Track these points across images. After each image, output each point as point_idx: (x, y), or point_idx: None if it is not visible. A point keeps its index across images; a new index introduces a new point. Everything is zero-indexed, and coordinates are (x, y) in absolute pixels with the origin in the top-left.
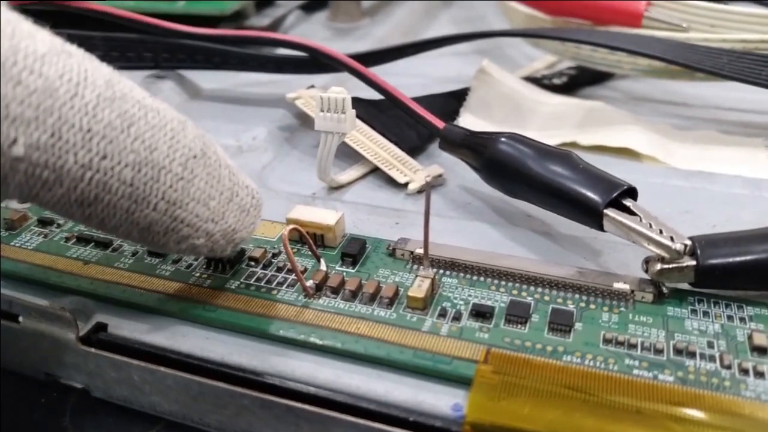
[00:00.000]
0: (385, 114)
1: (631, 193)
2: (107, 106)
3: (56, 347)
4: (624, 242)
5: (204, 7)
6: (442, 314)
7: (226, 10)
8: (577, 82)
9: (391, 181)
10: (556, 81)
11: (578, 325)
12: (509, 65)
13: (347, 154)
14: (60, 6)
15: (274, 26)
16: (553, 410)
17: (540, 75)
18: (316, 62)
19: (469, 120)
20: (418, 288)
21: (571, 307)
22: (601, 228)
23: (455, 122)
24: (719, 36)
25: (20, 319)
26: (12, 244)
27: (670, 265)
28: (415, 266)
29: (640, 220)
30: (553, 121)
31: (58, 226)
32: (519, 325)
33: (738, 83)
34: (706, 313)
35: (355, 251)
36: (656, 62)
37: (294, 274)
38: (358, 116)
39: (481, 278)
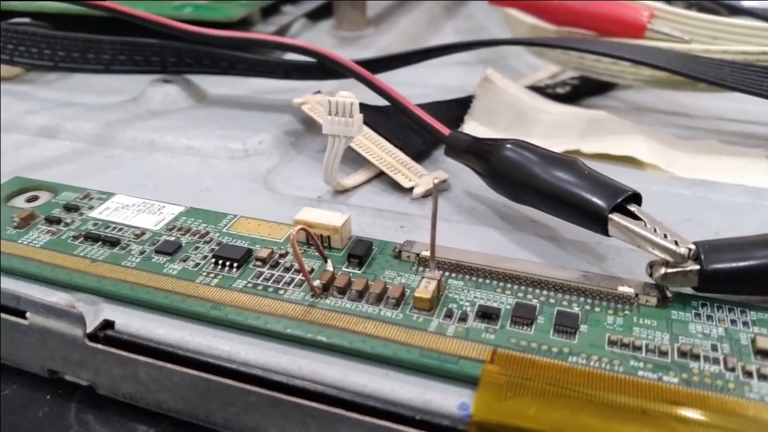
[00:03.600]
0: (391, 120)
1: (636, 198)
2: None
3: (63, 344)
4: (628, 247)
5: (211, 14)
6: (449, 315)
7: (233, 16)
8: (580, 92)
9: (396, 186)
10: (560, 90)
11: (583, 327)
12: (513, 75)
13: (353, 159)
14: (72, 3)
15: (280, 34)
16: (559, 410)
17: (543, 84)
18: (324, 68)
19: (473, 127)
20: (425, 289)
21: (576, 309)
22: (605, 233)
23: (460, 129)
24: (721, 48)
25: (28, 315)
26: (20, 242)
27: (675, 270)
28: (421, 268)
29: (645, 225)
30: (556, 130)
31: (66, 224)
32: (525, 327)
33: (739, 94)
34: (709, 317)
35: (361, 252)
36: (659, 72)
37: (301, 274)
38: (364, 121)
39: (487, 281)
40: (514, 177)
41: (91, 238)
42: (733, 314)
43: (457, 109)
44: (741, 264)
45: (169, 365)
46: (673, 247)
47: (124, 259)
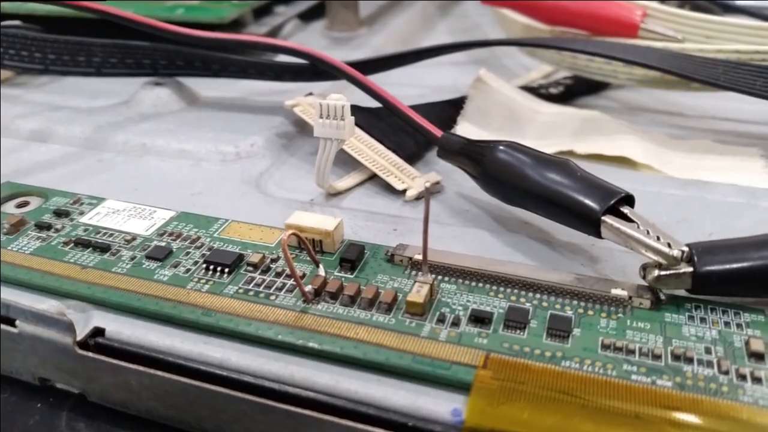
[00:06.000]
0: (383, 122)
1: (629, 200)
2: None
3: (54, 352)
4: (621, 249)
5: (202, 15)
6: (441, 320)
7: (225, 18)
8: (574, 91)
9: (389, 188)
10: (553, 90)
11: (576, 331)
12: (506, 75)
13: (345, 161)
14: (61, 5)
15: (272, 35)
16: (552, 415)
17: (537, 84)
18: (315, 70)
19: (466, 128)
20: (417, 293)
21: (569, 313)
22: (598, 235)
23: (452, 131)
24: (714, 47)
25: (17, 323)
26: (9, 248)
27: (668, 272)
28: (414, 272)
29: (638, 227)
30: (549, 130)
31: (56, 230)
32: (518, 331)
33: (733, 93)
34: (703, 320)
35: (353, 257)
36: (652, 72)
37: (293, 280)
38: (356, 124)
39: (480, 284)
40: (507, 179)
41: (82, 244)
42: (727, 316)
43: (450, 109)
44: (734, 266)
45: (159, 373)
46: (665, 249)
47: (114, 266)
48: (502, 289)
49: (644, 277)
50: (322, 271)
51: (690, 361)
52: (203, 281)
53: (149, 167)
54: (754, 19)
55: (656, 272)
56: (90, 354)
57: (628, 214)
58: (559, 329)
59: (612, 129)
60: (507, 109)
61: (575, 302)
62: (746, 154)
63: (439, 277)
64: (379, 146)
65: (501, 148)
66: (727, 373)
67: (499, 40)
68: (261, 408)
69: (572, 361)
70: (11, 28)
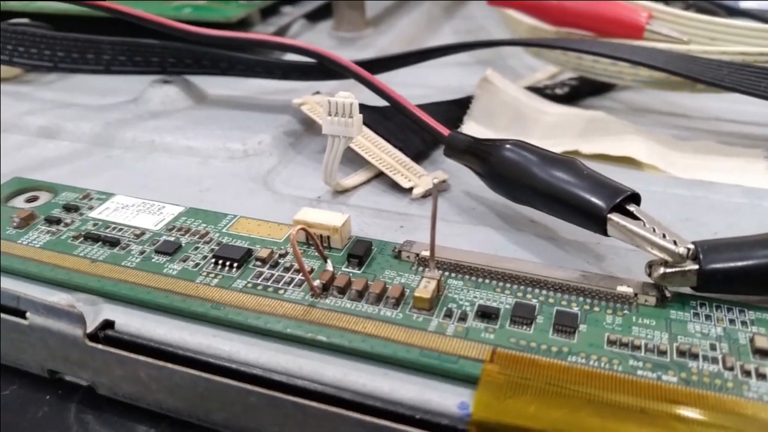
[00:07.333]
0: (390, 120)
1: (635, 198)
2: None
3: (63, 344)
4: (627, 247)
5: (210, 15)
6: (448, 315)
7: (232, 17)
8: (579, 92)
9: (396, 186)
10: (558, 91)
11: (582, 327)
12: (512, 75)
13: (352, 159)
14: (71, 3)
15: (279, 34)
16: (559, 409)
17: (542, 85)
18: (323, 69)
19: (472, 128)
20: (425, 288)
21: (575, 309)
22: (604, 233)
23: (459, 130)
24: (719, 48)
25: (28, 315)
26: (20, 242)
27: (673, 269)
28: (421, 268)
29: (644, 225)
30: (555, 131)
31: (66, 225)
32: (524, 326)
33: (738, 95)
34: (708, 317)
35: (361, 252)
36: (657, 73)
37: (301, 274)
38: (363, 122)
39: (486, 280)
40: (514, 177)
41: (91, 238)
42: (732, 314)
43: (456, 109)
44: (739, 264)
45: (169, 365)
46: (671, 246)
47: (124, 259)
48: (508, 285)
49: (650, 275)
50: (330, 266)
51: (695, 357)
52: (212, 275)
53: (158, 164)
54: (758, 22)
55: (662, 269)
56: (99, 346)
57: (635, 212)
58: (565, 325)
59: (617, 130)
60: (513, 109)
61: (581, 299)
62: (750, 156)
63: (446, 273)
64: (386, 144)
65: (507, 146)
66: (731, 369)
67: (505, 41)
68: (269, 400)
69: (578, 356)
70: (20, 26)
